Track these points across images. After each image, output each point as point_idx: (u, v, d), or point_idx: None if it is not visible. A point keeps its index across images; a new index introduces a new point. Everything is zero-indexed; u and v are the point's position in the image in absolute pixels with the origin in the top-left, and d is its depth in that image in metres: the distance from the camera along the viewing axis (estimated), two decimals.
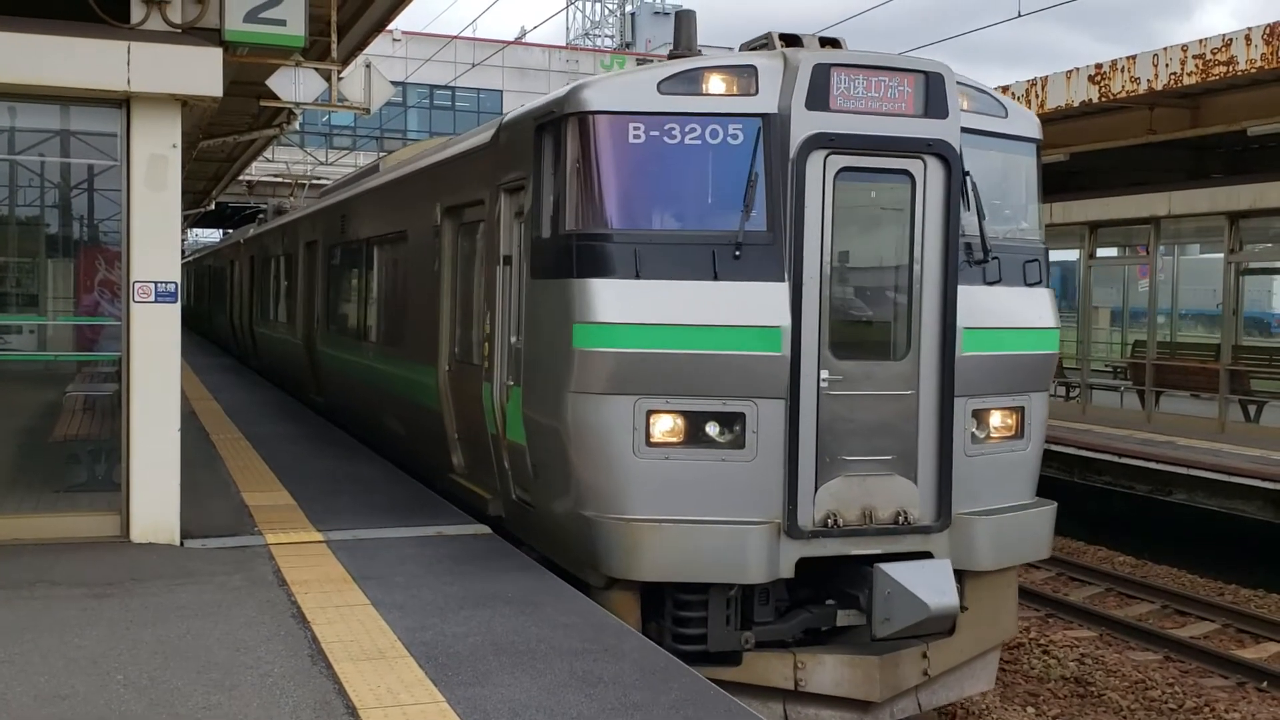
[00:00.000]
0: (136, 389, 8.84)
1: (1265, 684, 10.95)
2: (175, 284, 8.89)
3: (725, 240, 7.89)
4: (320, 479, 11.95)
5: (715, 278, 7.85)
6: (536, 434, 8.57)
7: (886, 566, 7.99)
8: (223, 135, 17.50)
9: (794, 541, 7.93)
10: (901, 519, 8.13)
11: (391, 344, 13.12)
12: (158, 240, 8.86)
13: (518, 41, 48.07)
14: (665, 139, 8.05)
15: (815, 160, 7.98)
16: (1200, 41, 15.92)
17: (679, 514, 7.89)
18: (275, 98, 10.47)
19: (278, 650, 6.58)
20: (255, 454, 13.50)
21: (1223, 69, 15.45)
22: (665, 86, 8.06)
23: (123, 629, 6.89)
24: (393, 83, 12.73)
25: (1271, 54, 14.74)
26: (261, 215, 29.46)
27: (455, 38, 41.10)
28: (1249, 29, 15.12)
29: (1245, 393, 18.00)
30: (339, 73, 10.88)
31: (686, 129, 8.04)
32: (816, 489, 7.99)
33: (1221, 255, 18.08)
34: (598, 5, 65.64)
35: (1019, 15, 18.06)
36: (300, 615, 7.22)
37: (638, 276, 7.83)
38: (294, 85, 10.25)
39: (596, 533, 7.97)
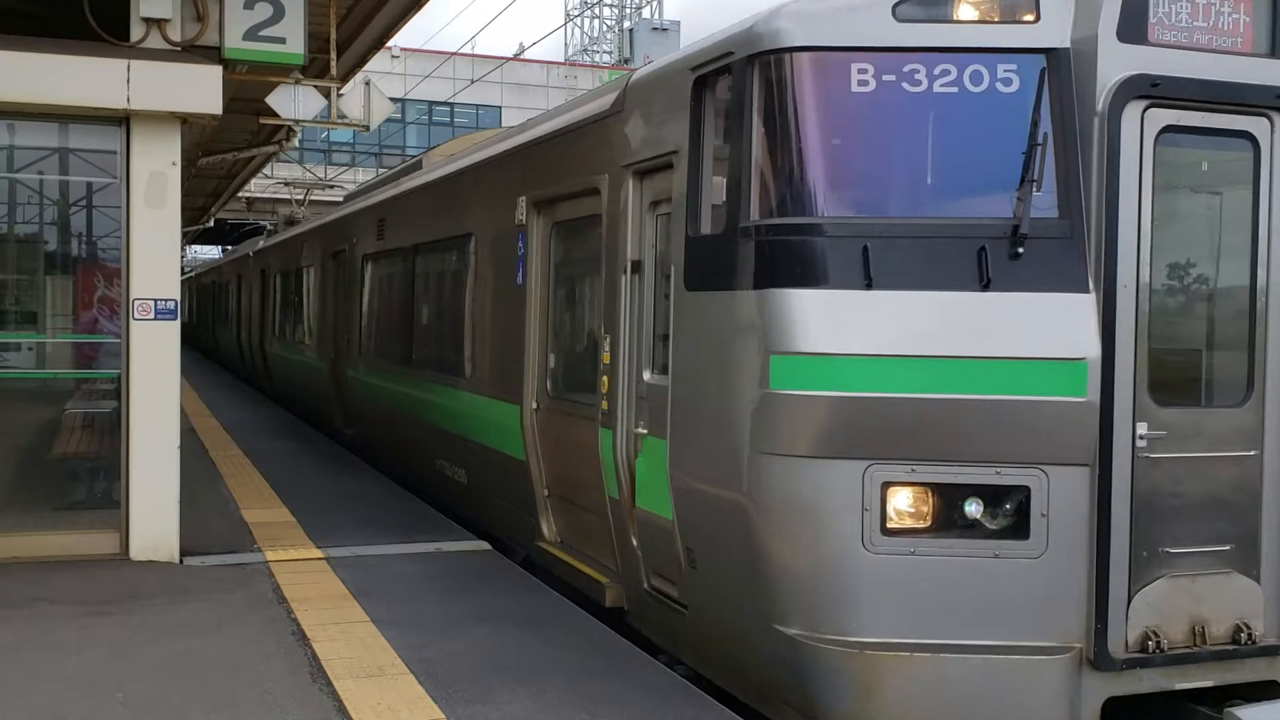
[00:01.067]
0: (136, 406, 8.84)
1: None
2: (175, 301, 8.89)
3: (998, 231, 5.65)
4: (320, 496, 11.94)
5: (984, 286, 5.61)
6: (696, 508, 6.42)
7: (1244, 713, 5.59)
8: (222, 152, 17.52)
9: (1100, 675, 5.67)
10: (1244, 636, 5.83)
11: (452, 372, 10.86)
12: (157, 257, 8.87)
13: (516, 58, 48.20)
14: (905, 86, 5.82)
15: (1131, 115, 5.70)
16: None
17: (933, 636, 5.64)
18: (275, 115, 10.49)
19: (278, 668, 6.56)
20: (255, 471, 13.49)
21: None
22: (904, 11, 5.84)
23: (122, 647, 6.87)
24: (391, 99, 12.74)
25: None
26: (270, 228, 28.52)
27: (454, 54, 41.23)
28: None
29: None
30: (338, 90, 10.90)
31: (936, 71, 5.81)
32: (1130, 597, 5.72)
33: None
34: (596, 21, 65.87)
35: None
36: (300, 632, 7.20)
37: (867, 285, 5.61)
38: (293, 102, 10.28)
39: (808, 661, 5.75)
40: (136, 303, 8.80)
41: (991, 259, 5.62)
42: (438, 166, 12.46)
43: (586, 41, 65.62)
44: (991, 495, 5.65)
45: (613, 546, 7.66)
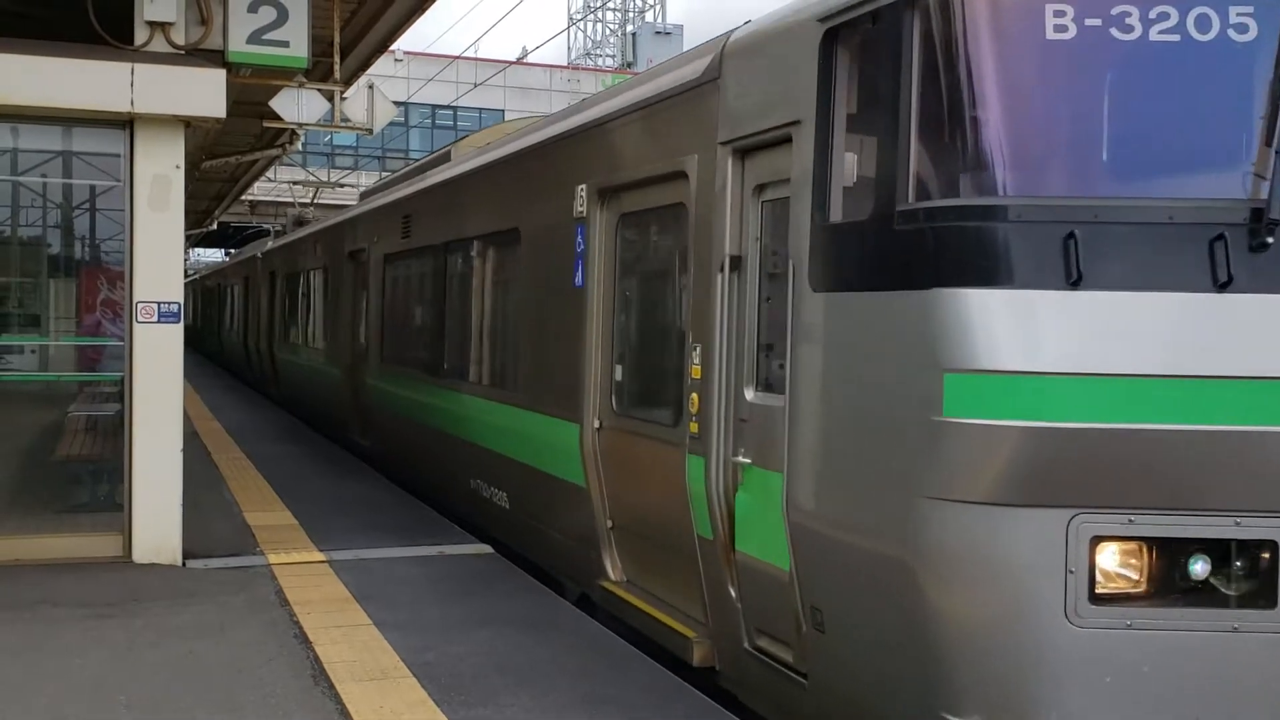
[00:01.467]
0: (139, 409, 8.85)
1: None
2: (178, 304, 8.91)
3: (1236, 215, 4.54)
4: (322, 499, 11.95)
5: (1220, 287, 4.49)
6: (827, 559, 5.33)
7: None
8: (225, 155, 17.56)
9: None
10: None
11: (494, 384, 9.97)
12: (161, 260, 8.89)
13: (519, 62, 48.25)
14: (1114, 32, 4.71)
15: None
16: None
17: None
18: (278, 118, 10.51)
19: (280, 671, 6.56)
20: (257, 474, 13.51)
21: None
22: None
23: (125, 650, 6.87)
24: (395, 102, 12.75)
25: None
26: (279, 229, 27.66)
27: (457, 58, 41.28)
28: None
29: None
30: (342, 93, 10.91)
31: (1152, 15, 4.69)
32: None
33: None
34: (599, 25, 65.94)
35: None
36: (303, 635, 7.20)
37: (1072, 284, 4.51)
38: (297, 106, 10.31)
39: None
40: (140, 306, 8.81)
41: (1231, 250, 4.46)
42: (472, 157, 11.33)
43: (589, 45, 65.68)
44: (1227, 551, 4.59)
45: (701, 594, 6.59)
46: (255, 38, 9.29)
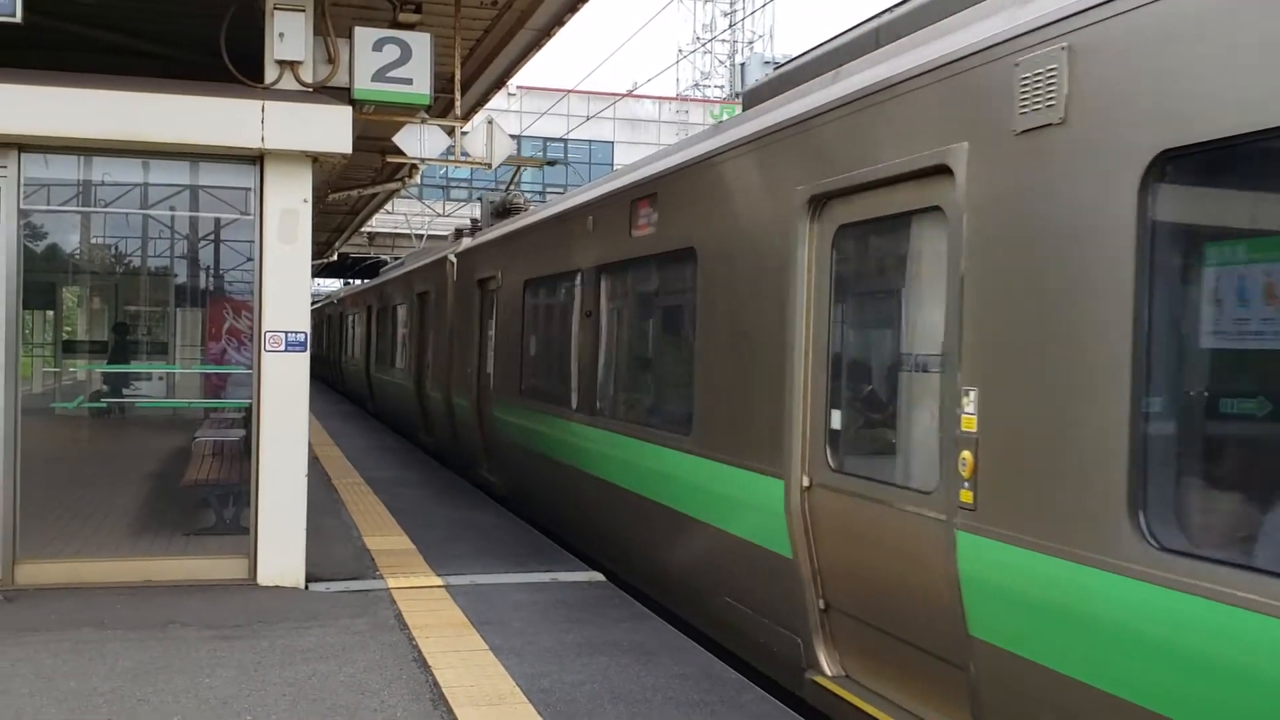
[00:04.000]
0: (265, 436, 9.10)
1: None
2: (305, 334, 9.16)
3: None
4: (439, 524, 12.15)
5: None
6: None
7: None
8: (348, 189, 18.00)
9: None
10: None
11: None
12: (288, 291, 9.14)
13: (629, 94, 48.69)
14: None
15: None
16: None
17: None
18: (400, 153, 10.76)
19: (400, 694, 6.69)
20: (376, 498, 13.79)
21: None
22: None
23: (251, 670, 7.06)
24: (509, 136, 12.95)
25: None
26: (469, 227, 18.21)
27: (570, 91, 41.80)
28: None
29: None
30: (462, 129, 11.14)
31: None
32: None
33: None
34: (708, 56, 66.24)
35: None
36: (421, 659, 7.33)
37: None
38: (419, 141, 10.54)
39: None
40: (268, 335, 9.07)
41: None
42: None
43: (699, 77, 66.00)
44: None
45: None
46: (380, 75, 9.53)
